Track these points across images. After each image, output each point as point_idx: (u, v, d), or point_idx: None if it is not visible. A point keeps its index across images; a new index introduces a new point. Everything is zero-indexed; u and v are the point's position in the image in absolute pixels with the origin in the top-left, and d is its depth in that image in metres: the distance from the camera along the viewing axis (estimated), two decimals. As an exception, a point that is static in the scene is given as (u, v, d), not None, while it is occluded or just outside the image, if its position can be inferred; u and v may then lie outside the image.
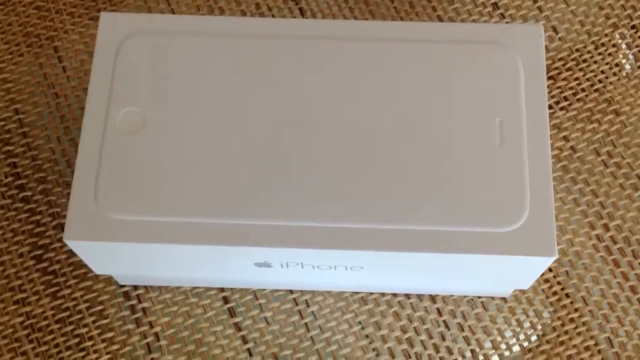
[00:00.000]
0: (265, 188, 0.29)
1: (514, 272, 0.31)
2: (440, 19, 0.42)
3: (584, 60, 0.41)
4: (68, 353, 0.34)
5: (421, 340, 0.35)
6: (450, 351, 0.35)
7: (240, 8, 0.42)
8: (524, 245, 0.28)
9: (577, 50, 0.41)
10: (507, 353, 0.35)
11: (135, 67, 0.31)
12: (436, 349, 0.35)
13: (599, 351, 0.35)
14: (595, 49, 0.41)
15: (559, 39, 0.41)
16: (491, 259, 0.29)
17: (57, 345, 0.35)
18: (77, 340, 0.35)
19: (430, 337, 0.35)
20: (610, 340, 0.35)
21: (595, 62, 0.41)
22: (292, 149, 0.30)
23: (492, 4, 0.42)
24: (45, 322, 0.35)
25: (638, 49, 0.41)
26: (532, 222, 0.29)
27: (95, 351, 0.35)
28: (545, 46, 0.41)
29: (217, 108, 0.31)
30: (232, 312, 0.36)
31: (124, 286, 0.36)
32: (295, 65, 0.31)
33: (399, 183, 0.29)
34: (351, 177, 0.29)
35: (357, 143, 0.30)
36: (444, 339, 0.35)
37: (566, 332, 0.36)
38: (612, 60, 0.41)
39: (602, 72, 0.41)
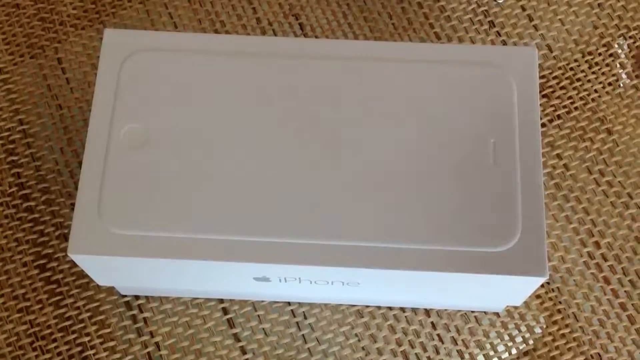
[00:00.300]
0: (265, 205, 0.30)
1: (506, 290, 0.32)
2: (437, 36, 0.43)
3: (578, 79, 0.42)
4: (70, 362, 0.35)
5: (416, 354, 0.36)
6: (437, 350, 0.36)
7: (242, 22, 0.43)
8: (515, 265, 0.29)
9: (571, 69, 0.42)
10: (491, 352, 0.36)
11: (139, 84, 0.32)
12: (436, 351, 0.36)
13: (582, 352, 0.36)
14: (589, 67, 0.42)
15: (554, 57, 0.43)
16: (483, 278, 0.30)
17: (60, 354, 0.35)
18: (79, 348, 0.36)
19: (425, 350, 0.36)
20: (600, 355, 0.36)
21: (588, 80, 0.42)
22: (293, 166, 0.31)
23: (488, 21, 0.43)
24: (49, 331, 0.36)
25: (631, 68, 0.42)
26: (523, 242, 0.30)
27: (97, 360, 0.36)
28: (540, 64, 0.42)
29: (218, 125, 0.31)
30: (231, 323, 0.37)
31: (125, 296, 0.37)
32: (295, 84, 0.32)
33: (395, 202, 0.30)
34: (348, 195, 0.30)
35: (354, 162, 0.31)
36: (437, 352, 0.36)
37: (557, 347, 0.37)
38: (605, 79, 0.42)
39: (596, 90, 0.42)
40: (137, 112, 0.32)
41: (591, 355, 0.36)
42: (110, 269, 0.32)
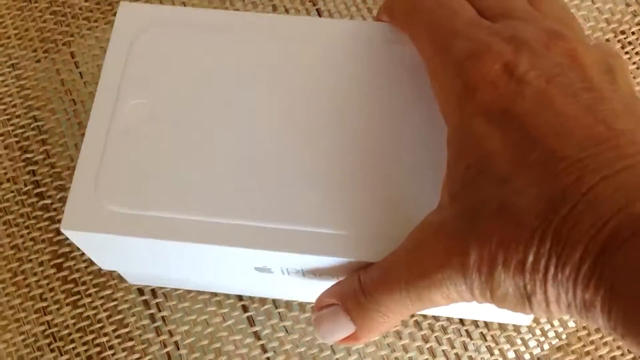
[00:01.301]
0: (270, 189, 0.29)
1: None
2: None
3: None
4: (89, 362, 0.35)
5: (443, 350, 0.35)
6: (465, 347, 0.35)
7: (257, 10, 0.42)
8: None
9: None
10: (522, 349, 0.35)
11: (149, 60, 0.31)
12: (458, 358, 0.35)
13: (618, 347, 0.35)
14: (622, 47, 0.41)
15: (584, 38, 0.41)
16: None
17: (78, 355, 0.35)
18: (98, 349, 0.35)
19: (453, 347, 0.35)
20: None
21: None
22: (299, 150, 0.30)
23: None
24: (67, 331, 0.36)
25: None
26: None
27: (115, 360, 0.35)
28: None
29: (226, 105, 0.30)
30: (251, 321, 0.36)
31: (143, 294, 0.36)
32: (306, 63, 0.31)
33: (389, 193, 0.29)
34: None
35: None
36: (466, 348, 0.35)
37: (592, 342, 0.35)
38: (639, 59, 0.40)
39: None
40: (145, 88, 0.31)
41: (628, 350, 0.35)
42: (107, 250, 0.31)
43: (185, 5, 0.43)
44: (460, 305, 0.31)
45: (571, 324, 0.36)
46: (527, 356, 0.35)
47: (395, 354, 0.35)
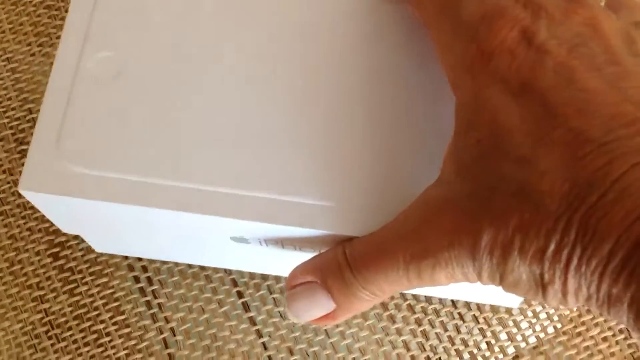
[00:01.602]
0: (247, 154, 0.27)
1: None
2: None
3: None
4: (86, 349, 0.35)
5: (436, 333, 0.36)
6: (465, 343, 0.36)
7: None
8: None
9: None
10: (523, 344, 0.36)
11: (118, 7, 0.28)
12: (451, 341, 0.36)
13: (617, 342, 0.35)
14: None
15: None
16: None
17: (75, 342, 0.36)
18: (94, 336, 0.36)
19: (446, 330, 0.36)
20: (628, 330, 0.36)
21: None
22: (284, 113, 0.27)
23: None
24: (64, 319, 0.36)
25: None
26: None
27: (112, 347, 0.35)
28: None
29: (203, 60, 0.28)
30: (246, 307, 0.37)
31: (139, 281, 0.37)
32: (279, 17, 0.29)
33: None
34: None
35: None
36: (459, 331, 0.36)
37: (583, 323, 0.36)
38: None
39: None
40: (114, 39, 0.28)
41: (619, 330, 0.36)
42: (69, 213, 0.28)
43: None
44: (451, 286, 0.31)
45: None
46: (519, 337, 0.36)
47: (389, 337, 0.36)
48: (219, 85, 0.28)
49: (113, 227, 0.30)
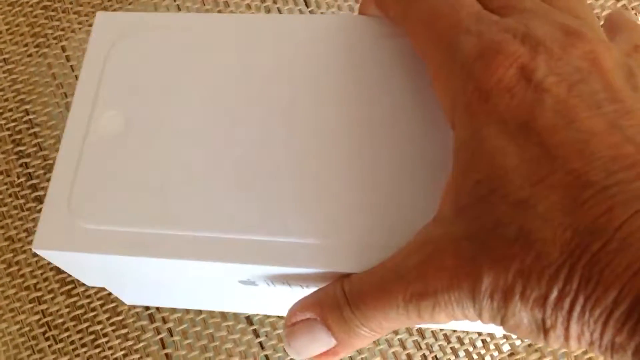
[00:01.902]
0: (248, 203, 0.27)
1: None
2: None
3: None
4: (84, 350, 0.36)
5: (432, 332, 0.36)
6: (461, 341, 0.36)
7: (246, 2, 0.43)
8: None
9: None
10: (518, 342, 0.36)
11: (125, 68, 0.30)
12: (447, 339, 0.36)
13: None
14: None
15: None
16: None
17: (72, 342, 0.36)
18: (92, 337, 0.36)
19: (441, 329, 0.36)
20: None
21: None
22: (282, 155, 0.28)
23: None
24: (61, 320, 0.36)
25: None
26: None
27: (110, 347, 0.36)
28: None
29: (204, 113, 0.29)
30: (243, 307, 0.37)
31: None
32: (289, 68, 0.29)
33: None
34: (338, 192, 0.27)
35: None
36: (454, 329, 0.36)
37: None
38: None
39: None
40: (122, 97, 0.29)
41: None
42: (87, 268, 0.29)
43: (179, 8, 0.43)
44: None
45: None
46: (514, 335, 0.36)
47: (385, 335, 0.36)
48: (220, 136, 0.28)
49: (127, 279, 0.31)
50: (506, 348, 0.35)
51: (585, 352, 0.35)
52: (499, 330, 0.35)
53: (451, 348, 0.35)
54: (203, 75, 0.29)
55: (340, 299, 0.24)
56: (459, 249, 0.22)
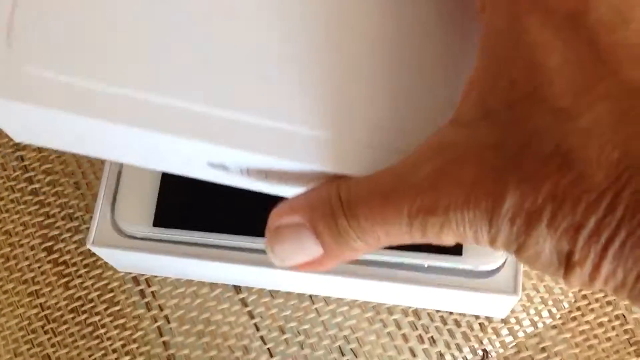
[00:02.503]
0: (230, 66, 0.22)
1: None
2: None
3: None
4: (82, 342, 0.36)
5: (428, 313, 0.34)
6: (458, 324, 0.34)
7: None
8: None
9: None
10: (517, 327, 0.34)
11: None
12: (444, 321, 0.34)
13: (613, 327, 0.33)
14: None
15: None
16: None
17: (71, 335, 0.36)
18: (90, 328, 0.36)
19: (438, 309, 0.34)
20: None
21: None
22: (290, 43, 0.23)
23: None
24: (59, 313, 0.36)
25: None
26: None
27: (108, 338, 0.36)
28: None
29: None
30: (237, 289, 0.36)
31: (133, 275, 0.36)
32: None
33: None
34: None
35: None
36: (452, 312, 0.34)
37: (578, 309, 0.34)
38: None
39: None
40: None
41: (614, 317, 0.33)
42: (23, 120, 0.24)
43: None
44: (437, 296, 0.30)
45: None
46: (513, 320, 0.34)
47: (380, 315, 0.34)
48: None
49: (71, 138, 0.26)
50: (504, 332, 0.34)
51: (587, 339, 0.33)
52: (483, 308, 0.33)
53: (448, 330, 0.34)
54: None
55: (335, 205, 0.21)
56: (481, 159, 0.19)
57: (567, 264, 0.18)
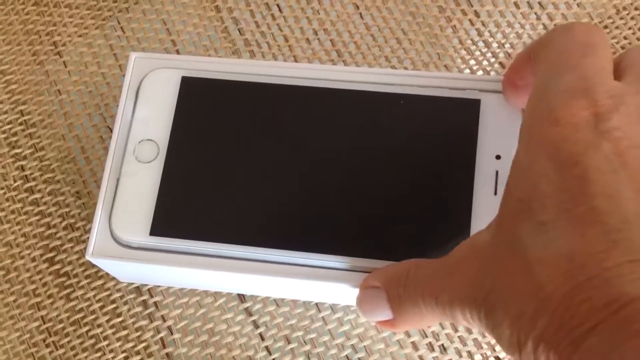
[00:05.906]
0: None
1: None
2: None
3: (613, 37, 0.34)
4: (85, 355, 0.33)
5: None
6: (469, 330, 0.31)
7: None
8: None
9: (605, 27, 0.34)
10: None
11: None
12: (453, 327, 0.31)
13: None
14: (625, 24, 0.34)
15: (587, 14, 0.35)
16: None
17: (73, 348, 0.33)
18: (92, 341, 0.33)
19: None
20: None
21: (625, 37, 0.34)
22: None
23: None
24: (61, 325, 0.33)
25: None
26: None
27: (111, 351, 0.33)
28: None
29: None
30: (242, 298, 0.33)
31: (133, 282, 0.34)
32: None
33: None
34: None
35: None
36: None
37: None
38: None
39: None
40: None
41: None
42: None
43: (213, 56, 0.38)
44: None
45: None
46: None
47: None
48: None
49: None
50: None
51: None
52: None
53: (459, 337, 0.31)
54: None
55: (403, 279, 0.25)
56: (482, 256, 0.22)
57: (518, 350, 0.21)
